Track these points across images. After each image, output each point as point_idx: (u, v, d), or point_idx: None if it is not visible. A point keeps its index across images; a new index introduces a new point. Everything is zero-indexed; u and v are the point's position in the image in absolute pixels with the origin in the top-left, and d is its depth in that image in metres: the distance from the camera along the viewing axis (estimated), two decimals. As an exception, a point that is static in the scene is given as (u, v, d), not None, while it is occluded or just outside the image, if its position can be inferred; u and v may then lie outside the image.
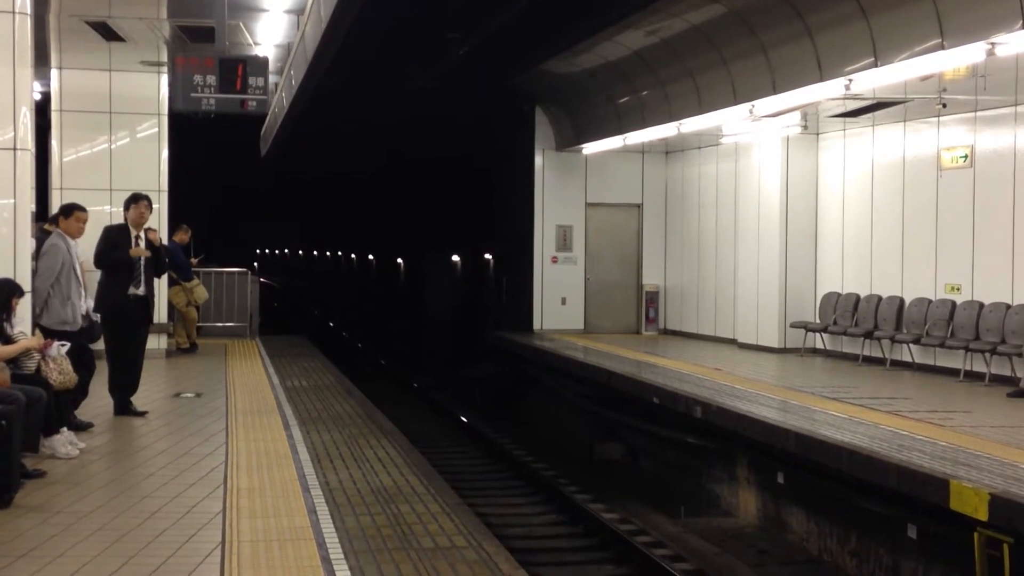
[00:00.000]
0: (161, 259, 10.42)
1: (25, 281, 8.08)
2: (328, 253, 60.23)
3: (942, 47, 9.71)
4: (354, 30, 11.97)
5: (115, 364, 10.05)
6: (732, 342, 17.35)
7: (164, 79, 15.22)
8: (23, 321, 7.98)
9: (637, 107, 16.68)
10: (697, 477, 12.30)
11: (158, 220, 14.41)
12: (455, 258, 30.36)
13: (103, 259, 9.89)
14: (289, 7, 13.06)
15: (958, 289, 13.31)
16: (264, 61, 11.01)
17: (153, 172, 15.31)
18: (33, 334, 8.28)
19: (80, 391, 8.95)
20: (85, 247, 9.80)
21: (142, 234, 9.99)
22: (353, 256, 51.92)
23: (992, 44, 9.15)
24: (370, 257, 47.15)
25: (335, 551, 5.69)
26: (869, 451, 8.28)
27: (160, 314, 14.14)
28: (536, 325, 19.39)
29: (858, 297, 15.05)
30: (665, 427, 12.52)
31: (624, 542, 10.11)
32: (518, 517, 11.58)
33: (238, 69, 10.47)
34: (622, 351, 16.20)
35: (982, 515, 6.90)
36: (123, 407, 10.02)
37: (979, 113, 12.97)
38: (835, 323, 15.17)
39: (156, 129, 15.53)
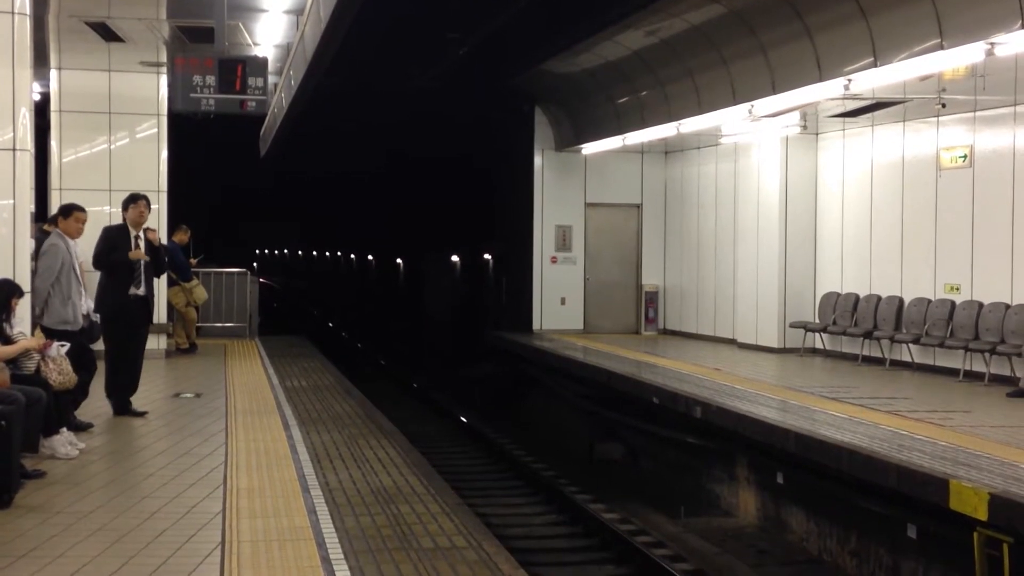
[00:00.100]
0: (160, 259, 10.44)
1: (24, 282, 8.08)
2: (328, 253, 60.21)
3: (941, 47, 9.72)
4: (353, 30, 11.96)
5: (113, 366, 10.06)
6: (731, 342, 17.35)
7: (163, 79, 15.23)
8: (23, 321, 7.98)
9: (636, 107, 16.67)
10: (697, 477, 12.30)
11: (157, 220, 14.40)
12: (454, 258, 30.35)
13: (102, 260, 9.89)
14: (288, 7, 13.05)
15: (957, 289, 13.31)
16: (263, 61, 11.00)
17: (153, 172, 15.30)
18: (33, 334, 8.28)
19: (80, 391, 8.94)
20: (84, 247, 9.79)
21: (141, 234, 9.99)
22: (353, 256, 51.87)
23: (991, 44, 9.15)
24: (369, 257, 47.11)
25: (335, 551, 5.69)
26: (869, 451, 8.28)
27: (160, 314, 14.15)
28: (536, 325, 19.39)
29: (857, 297, 15.05)
30: (665, 427, 12.52)
31: (624, 542, 10.10)
32: (518, 517, 11.57)
33: (237, 69, 10.45)
34: (622, 351, 16.20)
35: (982, 515, 6.91)
36: (123, 407, 10.02)
37: (978, 113, 12.97)
38: (834, 323, 15.17)
39: (155, 129, 15.52)
